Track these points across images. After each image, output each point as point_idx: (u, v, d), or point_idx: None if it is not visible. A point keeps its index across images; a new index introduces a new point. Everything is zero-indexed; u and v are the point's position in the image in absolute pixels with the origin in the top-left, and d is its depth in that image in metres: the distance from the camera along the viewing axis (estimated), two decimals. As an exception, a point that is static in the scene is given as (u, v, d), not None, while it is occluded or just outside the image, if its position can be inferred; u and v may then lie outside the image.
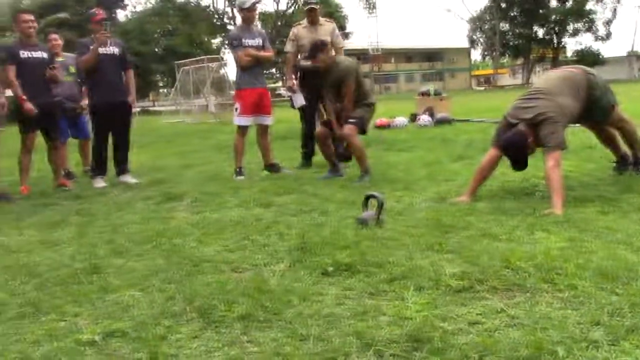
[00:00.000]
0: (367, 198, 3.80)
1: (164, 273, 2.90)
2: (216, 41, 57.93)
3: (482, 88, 69.22)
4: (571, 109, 4.21)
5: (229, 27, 47.30)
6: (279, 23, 48.15)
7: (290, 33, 7.00)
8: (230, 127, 9.09)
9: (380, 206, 3.63)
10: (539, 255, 2.81)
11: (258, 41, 6.29)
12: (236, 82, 6.33)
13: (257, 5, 6.35)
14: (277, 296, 2.51)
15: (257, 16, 6.41)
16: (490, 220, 3.67)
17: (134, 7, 51.58)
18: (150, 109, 46.51)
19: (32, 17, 5.97)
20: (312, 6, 6.77)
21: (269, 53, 6.42)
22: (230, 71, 24.87)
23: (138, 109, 21.32)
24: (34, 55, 5.87)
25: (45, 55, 5.97)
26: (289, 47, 7.01)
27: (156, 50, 53.51)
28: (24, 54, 5.80)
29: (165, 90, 72.74)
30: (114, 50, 6.20)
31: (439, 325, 2.17)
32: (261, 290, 2.56)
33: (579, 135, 8.37)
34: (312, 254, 3.10)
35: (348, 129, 5.59)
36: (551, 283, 2.55)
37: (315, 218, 4.00)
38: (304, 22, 6.94)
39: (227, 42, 8.45)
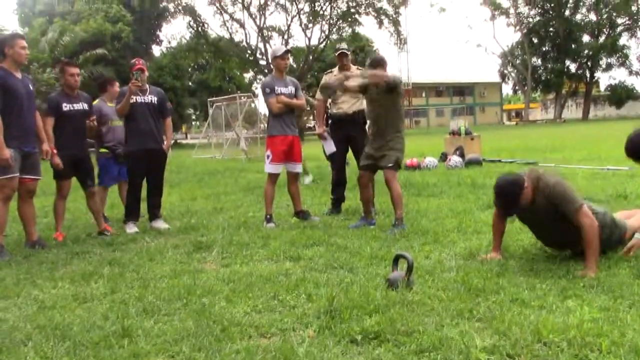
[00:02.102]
0: (397, 258, 3.79)
1: (193, 338, 2.92)
2: (248, 75, 58.93)
3: (514, 123, 68.85)
4: None
5: (260, 62, 48.01)
6: (310, 57, 48.69)
7: (322, 80, 7.09)
8: (259, 164, 9.26)
9: (410, 268, 3.61)
10: (571, 328, 2.77)
11: (290, 89, 6.39)
12: (268, 129, 6.42)
13: (289, 53, 6.48)
14: (305, 368, 2.51)
15: (288, 64, 6.51)
16: (521, 282, 3.63)
17: (169, 43, 52.63)
18: (183, 142, 47.31)
19: (77, 70, 6.12)
20: (344, 51, 6.88)
21: (300, 101, 6.52)
22: (261, 104, 25.26)
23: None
24: (75, 108, 6.02)
25: (85, 106, 6.13)
26: (319, 94, 7.11)
27: (189, 84, 54.64)
28: (66, 107, 5.96)
29: (197, 122, 74.10)
30: (152, 99, 6.36)
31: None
32: (289, 362, 2.56)
33: (611, 180, 8.27)
34: (341, 319, 3.09)
35: (389, 173, 5.66)
36: (584, 360, 2.50)
37: (343, 276, 4.00)
38: (335, 69, 7.04)
39: (259, 85, 8.69)
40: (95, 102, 7.17)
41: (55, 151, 5.77)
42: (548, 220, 4.07)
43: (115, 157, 6.82)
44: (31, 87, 5.53)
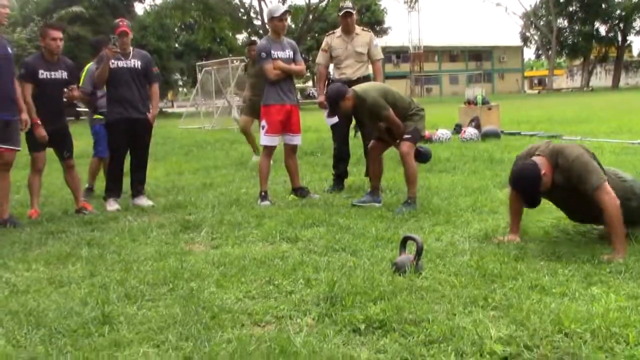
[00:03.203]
0: (405, 240, 3.80)
1: (180, 326, 2.94)
2: (241, 37, 58.47)
3: (536, 91, 68.67)
4: None
5: (255, 22, 47.68)
6: (310, 17, 48.34)
7: (323, 43, 7.06)
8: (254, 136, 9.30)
9: (419, 251, 3.63)
10: (596, 317, 2.78)
11: (288, 53, 6.35)
12: (264, 97, 6.38)
13: (288, 14, 6.43)
14: (303, 360, 2.53)
15: (287, 26, 6.46)
16: (542, 267, 3.65)
17: (153, 1, 52.26)
18: (169, 110, 47.22)
19: (60, 34, 6.02)
20: (349, 10, 6.81)
21: (300, 67, 6.48)
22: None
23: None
24: (53, 76, 5.97)
25: (65, 74, 6.06)
26: (321, 59, 7.08)
27: (175, 46, 54.31)
28: (43, 74, 5.90)
29: (184, 89, 73.92)
30: (136, 63, 6.32)
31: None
32: (285, 353, 2.58)
33: (636, 157, 8.26)
34: (342, 306, 3.12)
35: (405, 146, 5.63)
36: (610, 353, 2.53)
37: (346, 259, 4.02)
38: (338, 31, 7.00)
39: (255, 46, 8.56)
40: (89, 65, 7.20)
41: (38, 121, 5.74)
42: (570, 197, 4.06)
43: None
44: (9, 50, 5.48)
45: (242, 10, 48.68)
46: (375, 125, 5.83)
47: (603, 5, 62.53)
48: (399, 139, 5.70)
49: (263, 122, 6.37)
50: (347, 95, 5.63)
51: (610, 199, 3.85)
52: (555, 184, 4.00)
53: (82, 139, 9.90)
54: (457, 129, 13.36)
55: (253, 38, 55.14)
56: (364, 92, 5.65)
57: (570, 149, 4.03)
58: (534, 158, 4.05)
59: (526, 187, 4.03)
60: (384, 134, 5.84)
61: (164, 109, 47.34)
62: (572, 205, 4.23)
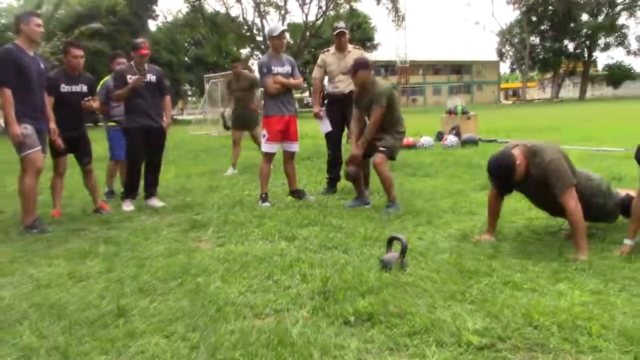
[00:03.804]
0: (391, 239, 3.81)
1: (188, 318, 2.95)
2: (245, 51, 58.42)
3: (511, 102, 68.71)
4: None
5: (257, 38, 47.67)
6: (307, 34, 48.35)
7: (319, 59, 7.07)
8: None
9: (404, 250, 3.63)
10: (562, 312, 2.80)
11: (287, 69, 6.35)
12: (264, 108, 6.41)
13: (286, 33, 6.43)
14: (299, 349, 2.54)
15: (285, 43, 6.47)
16: (514, 265, 3.66)
17: (165, 17, 52.14)
18: (179, 117, 47.05)
19: (81, 52, 6.02)
20: (342, 30, 6.82)
21: (297, 81, 6.48)
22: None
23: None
24: (74, 90, 5.99)
25: (85, 88, 6.08)
26: (316, 73, 7.09)
27: (185, 59, 54.24)
28: (65, 88, 5.93)
29: (193, 98, 73.73)
30: (151, 77, 6.34)
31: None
32: (283, 343, 2.59)
33: (606, 162, 8.29)
34: (334, 300, 3.12)
35: (378, 157, 5.64)
36: (574, 344, 2.54)
37: (338, 256, 4.02)
38: (332, 48, 7.00)
39: (256, 63, 8.50)
40: (106, 79, 7.21)
41: (57, 132, 5.74)
42: (543, 190, 4.06)
43: (123, 129, 6.83)
44: (42, 66, 5.49)
45: (245, 27, 48.69)
46: (363, 113, 5.88)
47: (571, 25, 62.69)
48: (372, 149, 5.74)
49: (264, 132, 6.37)
50: (369, 71, 5.73)
51: (574, 204, 3.87)
52: (530, 176, 4.01)
53: (99, 144, 9.85)
54: (439, 136, 13.38)
55: (246, 53, 55.17)
56: (381, 81, 5.89)
57: (548, 150, 4.02)
58: (512, 150, 4.07)
59: (501, 174, 4.06)
60: (354, 136, 5.94)
61: (174, 116, 47.22)
62: (544, 198, 4.23)
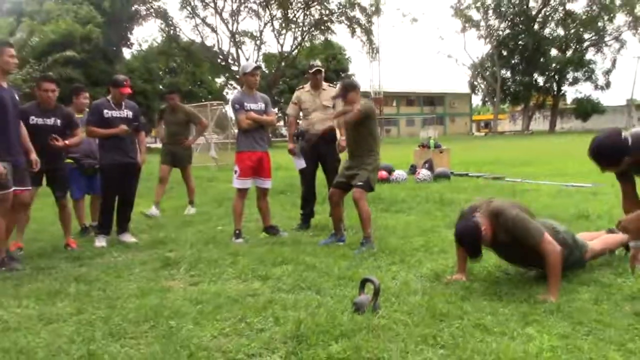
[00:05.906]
0: (364, 281, 3.84)
1: (160, 365, 2.93)
2: (219, 80, 58.62)
3: (483, 133, 69.87)
4: None
5: (232, 67, 47.88)
6: (282, 64, 48.78)
7: (294, 96, 7.17)
8: (230, 173, 9.14)
9: (376, 292, 3.67)
10: (531, 358, 2.85)
11: (260, 105, 6.43)
12: (237, 144, 6.45)
13: (258, 70, 6.53)
14: (271, 398, 2.54)
15: (258, 80, 6.54)
16: (485, 307, 3.71)
17: (140, 45, 52.16)
18: (152, 146, 46.70)
19: (53, 87, 5.99)
20: (318, 68, 6.94)
21: (270, 117, 6.56)
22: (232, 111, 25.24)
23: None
24: (45, 122, 5.94)
25: (58, 122, 6.02)
26: (291, 110, 7.19)
27: (160, 87, 54.12)
28: (34, 120, 5.87)
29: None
30: (127, 113, 6.37)
31: None
32: (255, 392, 2.59)
33: (574, 198, 8.48)
34: (307, 344, 3.13)
35: (357, 192, 5.69)
36: (542, 391, 2.59)
37: (311, 298, 4.03)
38: (307, 85, 7.10)
39: (230, 102, 8.14)
40: (81, 116, 7.03)
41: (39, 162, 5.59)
42: (512, 248, 4.17)
43: (79, 167, 6.77)
44: (17, 98, 5.42)
45: (220, 57, 48.93)
46: (345, 126, 6.05)
47: (541, 60, 64.24)
48: (348, 182, 5.84)
49: (235, 167, 6.40)
50: (356, 90, 5.94)
51: (553, 247, 3.97)
52: (497, 240, 4.11)
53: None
54: (412, 169, 13.54)
55: (221, 82, 55.00)
56: (367, 99, 6.10)
57: (508, 210, 4.12)
58: (476, 216, 4.14)
59: (469, 243, 4.13)
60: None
61: (147, 144, 46.78)
62: (513, 255, 4.35)
